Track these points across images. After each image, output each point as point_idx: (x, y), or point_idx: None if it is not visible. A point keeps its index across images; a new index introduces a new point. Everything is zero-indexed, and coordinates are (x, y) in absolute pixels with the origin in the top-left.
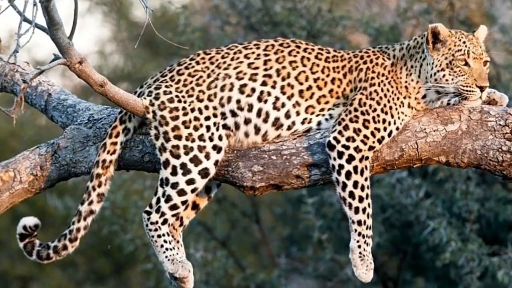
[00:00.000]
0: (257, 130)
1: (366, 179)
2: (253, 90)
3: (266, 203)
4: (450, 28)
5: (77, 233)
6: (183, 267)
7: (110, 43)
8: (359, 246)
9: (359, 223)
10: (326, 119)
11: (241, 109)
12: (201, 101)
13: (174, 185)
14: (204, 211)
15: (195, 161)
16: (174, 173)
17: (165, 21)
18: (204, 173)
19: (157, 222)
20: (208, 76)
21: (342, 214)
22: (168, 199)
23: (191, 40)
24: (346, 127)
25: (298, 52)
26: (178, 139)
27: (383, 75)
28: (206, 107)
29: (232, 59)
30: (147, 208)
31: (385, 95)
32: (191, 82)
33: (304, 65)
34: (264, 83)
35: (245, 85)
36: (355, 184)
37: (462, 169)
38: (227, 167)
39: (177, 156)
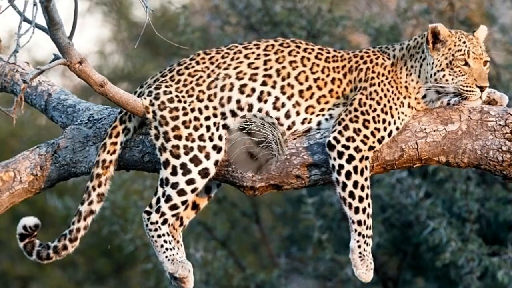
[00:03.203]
0: None
1: (366, 179)
2: (253, 90)
3: (266, 203)
4: (450, 28)
5: (77, 233)
6: (183, 267)
7: (110, 43)
8: (359, 246)
9: (359, 223)
10: (326, 119)
11: (241, 109)
12: (201, 101)
13: (174, 185)
14: (204, 211)
15: (195, 161)
16: (174, 173)
17: (165, 21)
18: (204, 173)
19: (157, 222)
20: (208, 76)
21: (342, 214)
22: (168, 199)
23: (191, 40)
24: (346, 127)
25: (298, 52)
26: (178, 139)
27: (383, 75)
28: (206, 107)
29: (232, 59)
30: (147, 208)
31: (385, 95)
32: (191, 82)
33: (304, 65)
34: (264, 83)
35: (245, 85)
36: (355, 184)
37: (462, 169)
38: (227, 167)
39: (177, 156)
